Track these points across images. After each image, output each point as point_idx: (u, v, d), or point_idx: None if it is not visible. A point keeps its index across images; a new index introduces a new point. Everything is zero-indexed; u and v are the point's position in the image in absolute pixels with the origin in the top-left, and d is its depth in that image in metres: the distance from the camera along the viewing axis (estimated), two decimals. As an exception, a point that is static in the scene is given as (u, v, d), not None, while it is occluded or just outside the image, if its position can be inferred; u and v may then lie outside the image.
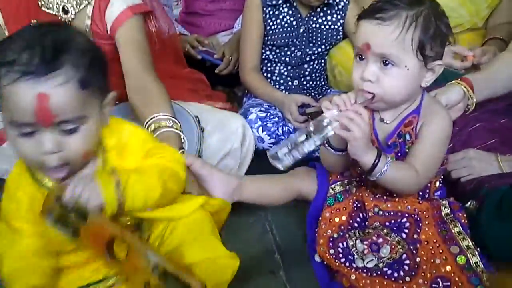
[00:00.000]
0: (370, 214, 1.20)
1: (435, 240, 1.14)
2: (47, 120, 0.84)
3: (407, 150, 1.15)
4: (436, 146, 1.14)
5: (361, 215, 1.21)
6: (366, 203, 1.21)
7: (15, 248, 0.94)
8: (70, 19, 1.38)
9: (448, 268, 1.10)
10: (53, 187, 0.93)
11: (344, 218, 1.21)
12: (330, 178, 1.27)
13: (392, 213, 1.19)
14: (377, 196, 1.21)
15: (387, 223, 1.17)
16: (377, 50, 1.07)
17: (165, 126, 1.23)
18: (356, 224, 1.21)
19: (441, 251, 1.12)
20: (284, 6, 1.72)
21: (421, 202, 1.19)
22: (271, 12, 1.72)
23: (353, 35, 1.70)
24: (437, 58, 1.10)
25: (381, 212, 1.19)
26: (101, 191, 0.88)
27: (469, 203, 1.25)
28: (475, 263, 1.10)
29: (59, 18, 1.37)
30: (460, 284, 1.07)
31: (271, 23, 1.73)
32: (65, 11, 1.37)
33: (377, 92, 1.09)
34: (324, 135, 1.04)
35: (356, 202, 1.23)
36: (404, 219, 1.17)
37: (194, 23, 2.16)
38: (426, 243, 1.13)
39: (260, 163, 1.46)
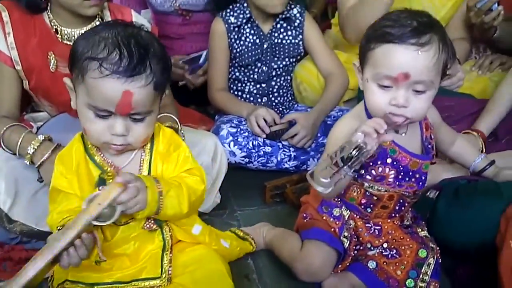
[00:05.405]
0: (361, 247, 1.25)
1: (402, 237, 1.23)
2: (125, 111, 1.01)
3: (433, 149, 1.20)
4: None
5: (356, 245, 1.25)
6: (360, 238, 1.24)
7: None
8: None
9: (408, 251, 1.19)
10: (110, 171, 1.07)
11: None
12: (333, 229, 1.23)
13: (384, 245, 1.23)
14: (371, 232, 1.23)
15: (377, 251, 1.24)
16: (416, 78, 1.00)
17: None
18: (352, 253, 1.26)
19: (408, 239, 1.22)
20: (246, 26, 1.80)
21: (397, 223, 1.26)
22: (235, 36, 1.80)
23: (316, 53, 1.82)
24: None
25: (373, 248, 1.24)
26: (148, 199, 1.01)
27: (429, 192, 1.35)
28: (429, 262, 1.19)
29: None
30: (403, 267, 1.18)
31: (236, 46, 1.80)
32: None
33: (409, 116, 1.04)
34: (363, 159, 0.99)
35: (353, 234, 1.24)
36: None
37: (166, 46, 2.18)
38: (394, 240, 1.23)
39: (234, 177, 1.57)
